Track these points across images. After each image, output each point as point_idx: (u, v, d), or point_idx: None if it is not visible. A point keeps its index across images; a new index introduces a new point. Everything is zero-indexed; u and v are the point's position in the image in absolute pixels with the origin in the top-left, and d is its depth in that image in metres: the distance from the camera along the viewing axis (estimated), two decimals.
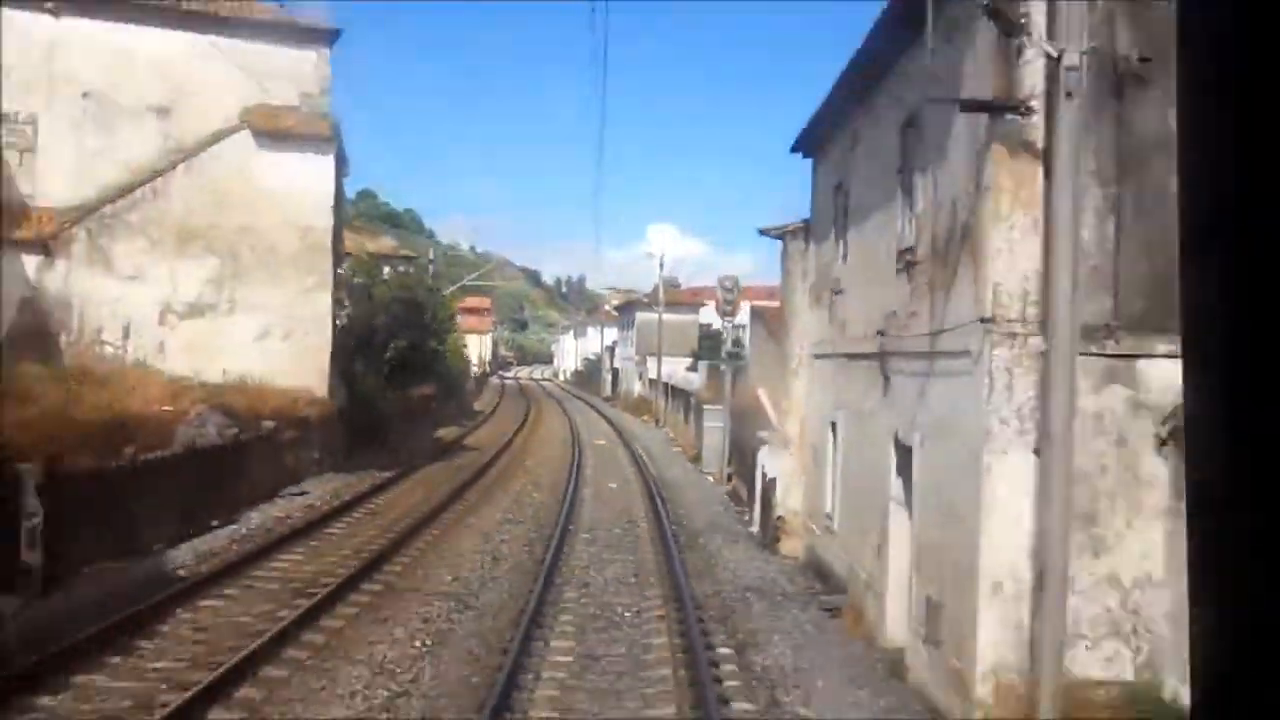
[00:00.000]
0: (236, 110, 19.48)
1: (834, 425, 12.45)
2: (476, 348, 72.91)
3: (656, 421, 41.56)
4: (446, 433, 32.46)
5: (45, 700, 7.44)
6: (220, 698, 7.60)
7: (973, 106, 7.13)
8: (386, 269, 32.19)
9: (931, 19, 7.04)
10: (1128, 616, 6.94)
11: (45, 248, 18.16)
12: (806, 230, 14.89)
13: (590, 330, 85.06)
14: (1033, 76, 6.89)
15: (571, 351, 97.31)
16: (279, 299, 19.37)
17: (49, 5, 18.11)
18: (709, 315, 38.30)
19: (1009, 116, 6.91)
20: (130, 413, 15.42)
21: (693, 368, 38.70)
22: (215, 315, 19.02)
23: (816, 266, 14.20)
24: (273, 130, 19.41)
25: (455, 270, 75.22)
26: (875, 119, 10.78)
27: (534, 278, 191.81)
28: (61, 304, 18.11)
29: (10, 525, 9.84)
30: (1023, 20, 6.71)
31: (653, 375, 46.38)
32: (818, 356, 13.82)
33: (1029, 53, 6.83)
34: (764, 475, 16.20)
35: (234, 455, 16.49)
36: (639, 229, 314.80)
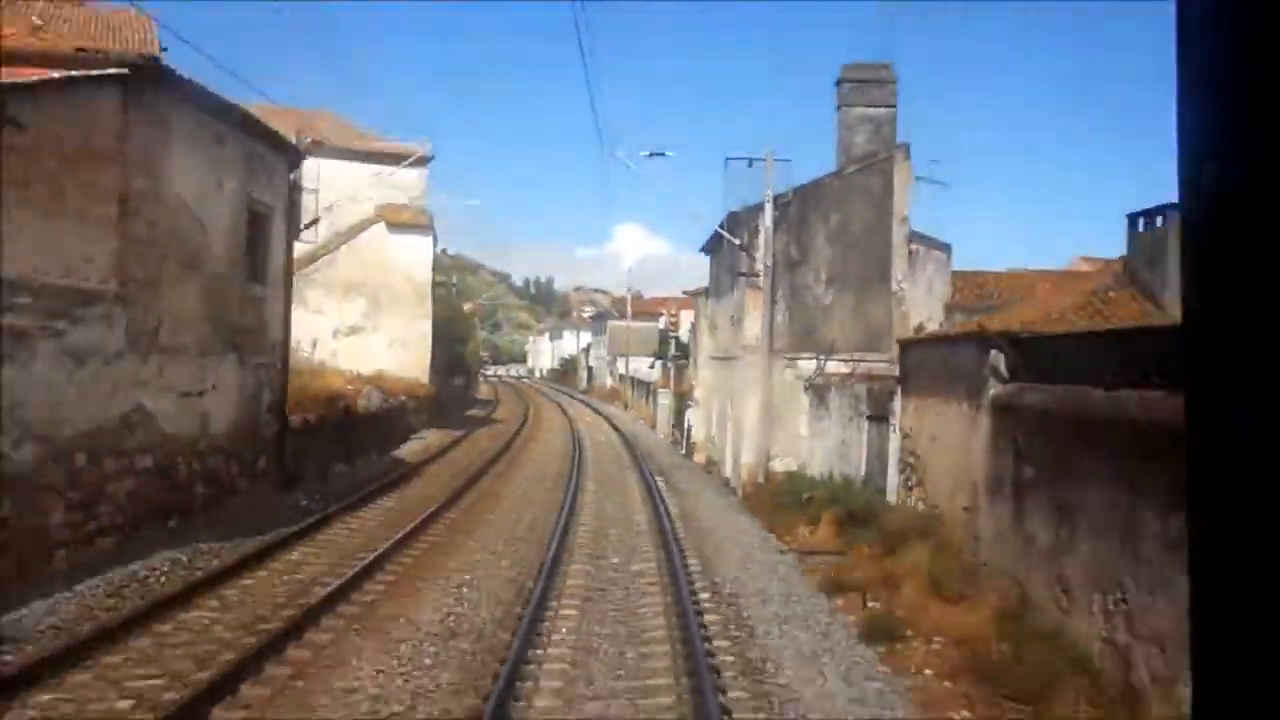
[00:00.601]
0: (374, 208, 32.18)
1: (713, 393, 25.55)
2: None
3: (625, 405, 54.60)
4: (476, 412, 45.26)
5: (349, 517, 20.17)
6: (444, 509, 20.32)
7: (742, 274, 20.28)
8: None
9: (729, 242, 20.15)
10: (792, 447, 20.12)
11: None
12: (707, 291, 28.00)
13: (566, 334, 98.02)
14: (759, 264, 20.03)
15: (548, 352, 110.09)
16: (400, 324, 32.16)
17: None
18: (666, 322, 51.83)
19: (752, 278, 20.06)
20: (333, 390, 28.12)
21: (652, 366, 51.81)
22: (364, 334, 31.73)
23: (710, 312, 27.34)
24: (395, 221, 32.19)
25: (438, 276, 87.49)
26: (721, 259, 23.91)
27: (504, 279, 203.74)
28: None
29: (281, 450, 22.54)
30: (754, 249, 19.88)
31: (622, 371, 59.48)
32: (710, 358, 26.95)
33: (757, 257, 20.00)
34: (687, 424, 29.33)
35: (385, 415, 29.17)
36: (605, 228, 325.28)
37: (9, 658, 8.11)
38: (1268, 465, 0.97)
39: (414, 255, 32.36)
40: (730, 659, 9.16)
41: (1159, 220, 12.78)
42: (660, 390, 39.49)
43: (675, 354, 37.54)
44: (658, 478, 22.31)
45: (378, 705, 7.67)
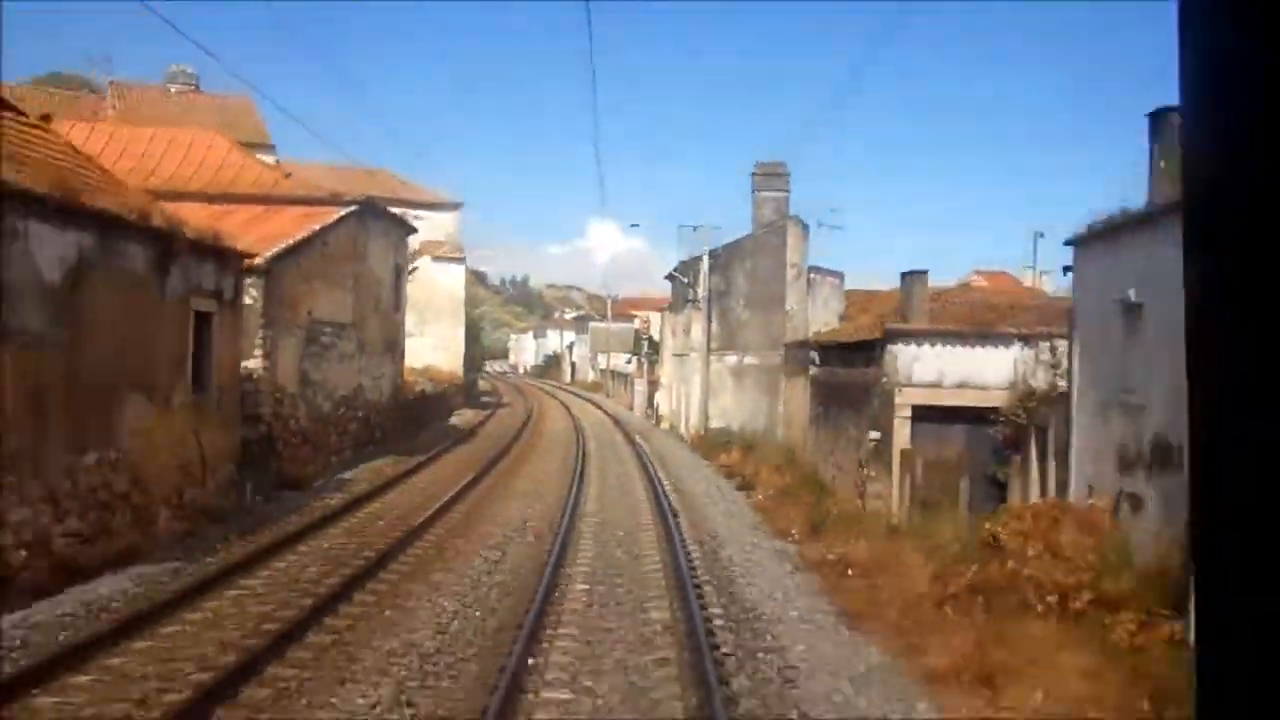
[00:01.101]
0: (419, 244, 42.84)
1: (673, 380, 36.64)
2: None
3: (606, 394, 65.55)
4: (488, 399, 56.02)
5: (457, 450, 31.03)
6: (507, 450, 31.15)
7: (689, 300, 31.34)
8: None
9: (690, 276, 31.21)
10: (724, 414, 31.25)
11: None
12: (671, 307, 39.06)
13: (550, 332, 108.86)
14: (700, 294, 31.10)
15: (531, 349, 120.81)
16: (441, 330, 42.92)
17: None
18: (640, 324, 62.88)
19: (696, 302, 31.13)
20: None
21: (629, 361, 62.73)
22: (416, 338, 42.41)
23: (671, 323, 38.45)
24: (436, 255, 42.92)
25: None
26: (678, 287, 35.03)
27: (481, 278, 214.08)
28: None
29: (400, 415, 33.34)
30: (697, 285, 30.99)
31: (604, 366, 70.46)
32: (672, 355, 38.04)
33: (698, 290, 31.10)
34: (656, 403, 40.42)
35: (437, 397, 39.93)
36: (579, 224, 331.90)
37: (334, 500, 18.95)
38: (1268, 465, 0.97)
39: (451, 279, 43.10)
40: (674, 496, 20.14)
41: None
42: (636, 380, 50.51)
43: (648, 351, 48.57)
44: (636, 435, 33.27)
45: (525, 508, 18.56)
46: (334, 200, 22.81)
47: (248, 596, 10.64)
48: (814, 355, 22.82)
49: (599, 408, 50.19)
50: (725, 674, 8.47)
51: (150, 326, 12.95)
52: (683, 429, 33.98)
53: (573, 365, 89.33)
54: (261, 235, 18.52)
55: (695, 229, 31.53)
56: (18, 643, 8.57)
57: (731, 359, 31.42)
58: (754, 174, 32.35)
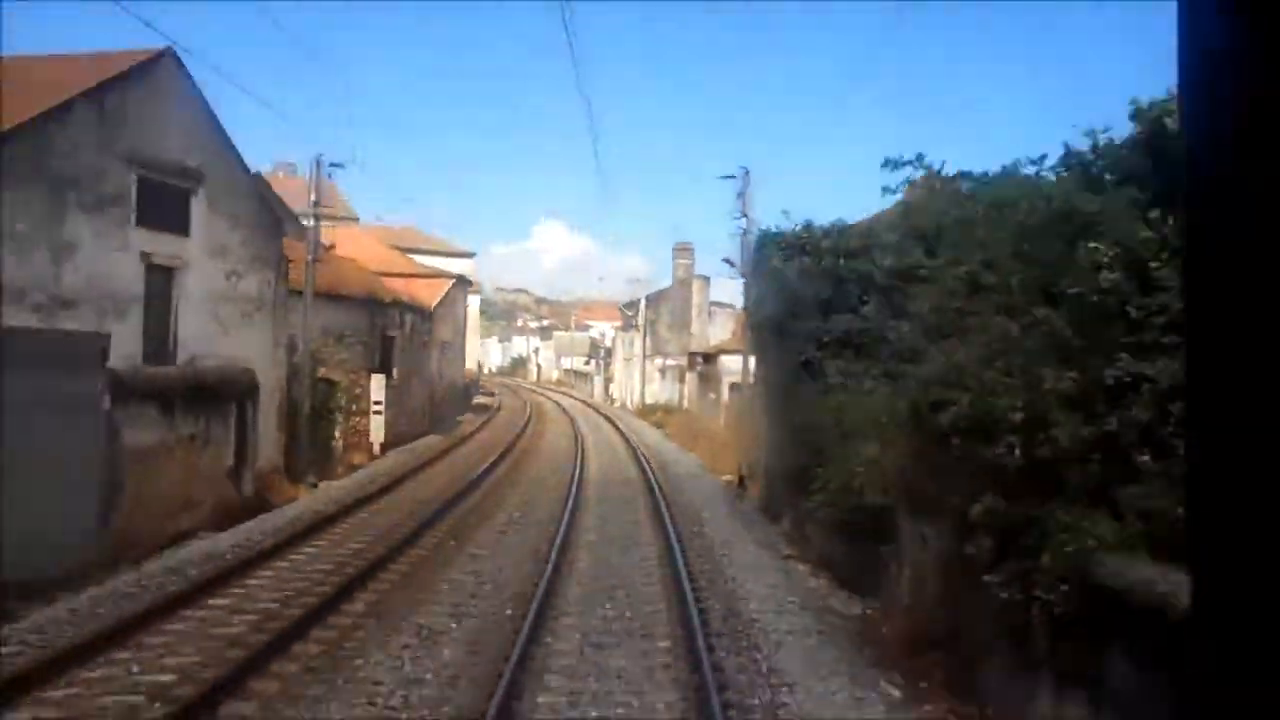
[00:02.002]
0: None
1: (624, 375, 56.71)
2: None
3: (570, 387, 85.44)
4: (488, 388, 75.53)
5: (494, 420, 50.77)
6: (530, 423, 50.88)
7: (633, 326, 51.59)
8: None
9: (629, 312, 51.38)
10: (654, 395, 51.47)
11: None
12: (622, 328, 59.15)
13: (515, 338, 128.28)
14: (640, 323, 51.33)
15: (498, 351, 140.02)
16: (468, 342, 62.50)
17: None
18: (599, 333, 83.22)
19: (638, 328, 51.40)
20: None
21: (587, 362, 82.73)
22: None
23: (623, 339, 58.57)
24: (462, 286, 62.49)
25: None
26: (627, 317, 55.25)
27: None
28: None
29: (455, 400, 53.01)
30: (637, 318, 51.30)
31: (567, 366, 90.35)
32: (623, 359, 58.05)
33: (638, 321, 51.35)
34: (610, 391, 60.64)
35: (472, 384, 59.40)
36: (523, 225, 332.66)
37: (468, 418, 38.70)
38: (1266, 463, 0.97)
39: (470, 305, 62.58)
40: (628, 434, 40.11)
41: None
42: (595, 376, 70.44)
43: (604, 355, 68.46)
44: (600, 408, 53.21)
45: (557, 428, 38.36)
46: (441, 274, 42.40)
47: (473, 449, 30.49)
48: (699, 359, 42.83)
49: (569, 395, 70.09)
50: (648, 463, 28.57)
51: (416, 350, 32.64)
52: (629, 404, 53.95)
53: (538, 366, 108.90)
54: (414, 295, 37.93)
55: (639, 282, 51.59)
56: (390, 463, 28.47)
57: (659, 361, 51.47)
58: (673, 249, 52.59)
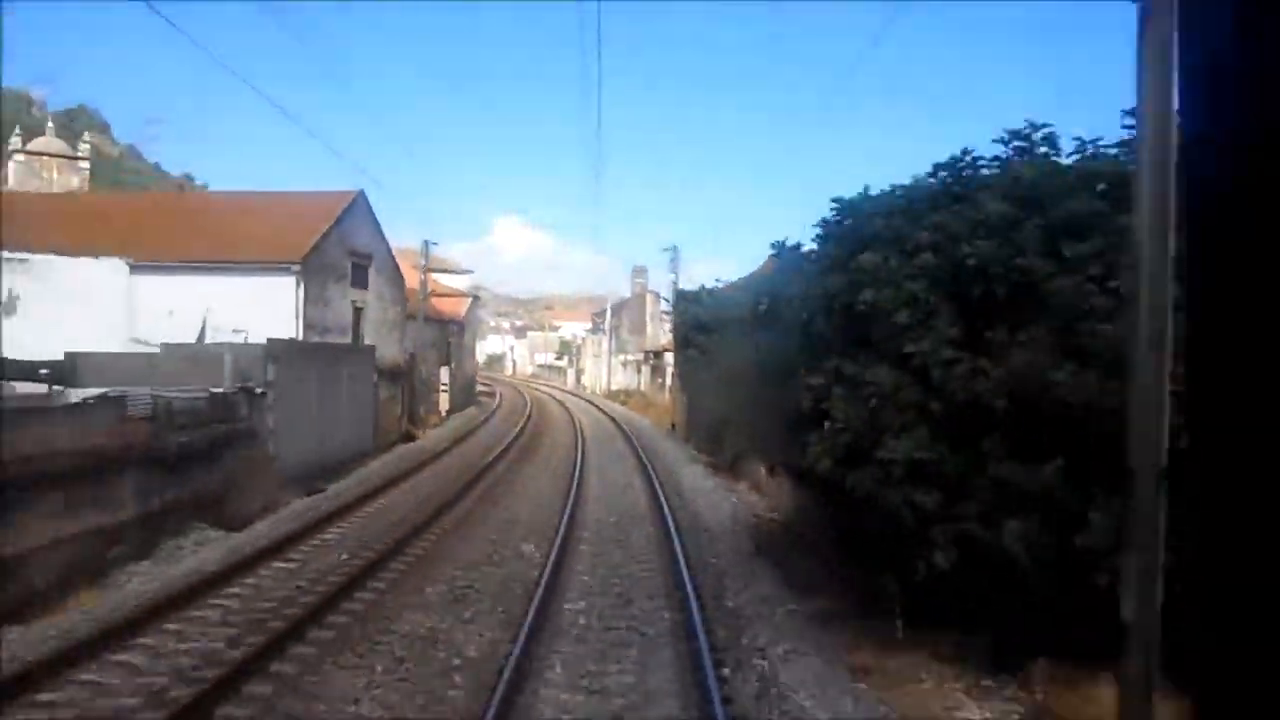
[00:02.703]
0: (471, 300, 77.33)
1: (593, 369, 72.18)
2: None
3: (545, 380, 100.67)
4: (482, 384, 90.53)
5: (505, 402, 65.98)
6: (528, 400, 66.01)
7: (601, 330, 67.08)
8: None
9: (599, 320, 66.91)
10: (618, 384, 66.95)
11: None
12: (592, 331, 74.55)
13: (491, 337, 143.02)
14: (606, 329, 66.75)
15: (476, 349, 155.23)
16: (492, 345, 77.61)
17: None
18: (570, 334, 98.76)
19: (604, 332, 66.87)
20: None
21: (560, 358, 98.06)
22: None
23: (591, 340, 74.02)
24: (475, 302, 77.52)
25: None
26: (596, 324, 70.72)
27: None
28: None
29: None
30: (604, 326, 66.85)
31: (541, 362, 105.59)
32: (592, 355, 73.46)
33: (605, 327, 66.80)
34: (582, 382, 76.12)
35: (472, 380, 74.43)
36: (485, 221, 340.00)
37: (488, 398, 53.95)
38: (1264, 462, 0.97)
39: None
40: (601, 410, 55.55)
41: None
42: (569, 370, 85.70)
43: (574, 353, 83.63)
44: (574, 395, 68.51)
45: (553, 408, 53.70)
46: (462, 293, 57.52)
47: (493, 427, 45.84)
48: (651, 355, 58.22)
49: (548, 385, 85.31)
50: (615, 421, 44.08)
51: (458, 350, 47.81)
52: (598, 390, 69.39)
53: (514, 362, 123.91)
54: (452, 310, 52.88)
55: (609, 302, 67.02)
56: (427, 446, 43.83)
57: (621, 357, 66.85)
58: (632, 270, 68.10)
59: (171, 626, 10.43)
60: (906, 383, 9.04)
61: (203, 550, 14.46)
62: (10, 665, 8.60)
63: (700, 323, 31.52)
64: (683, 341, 34.18)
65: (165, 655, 9.48)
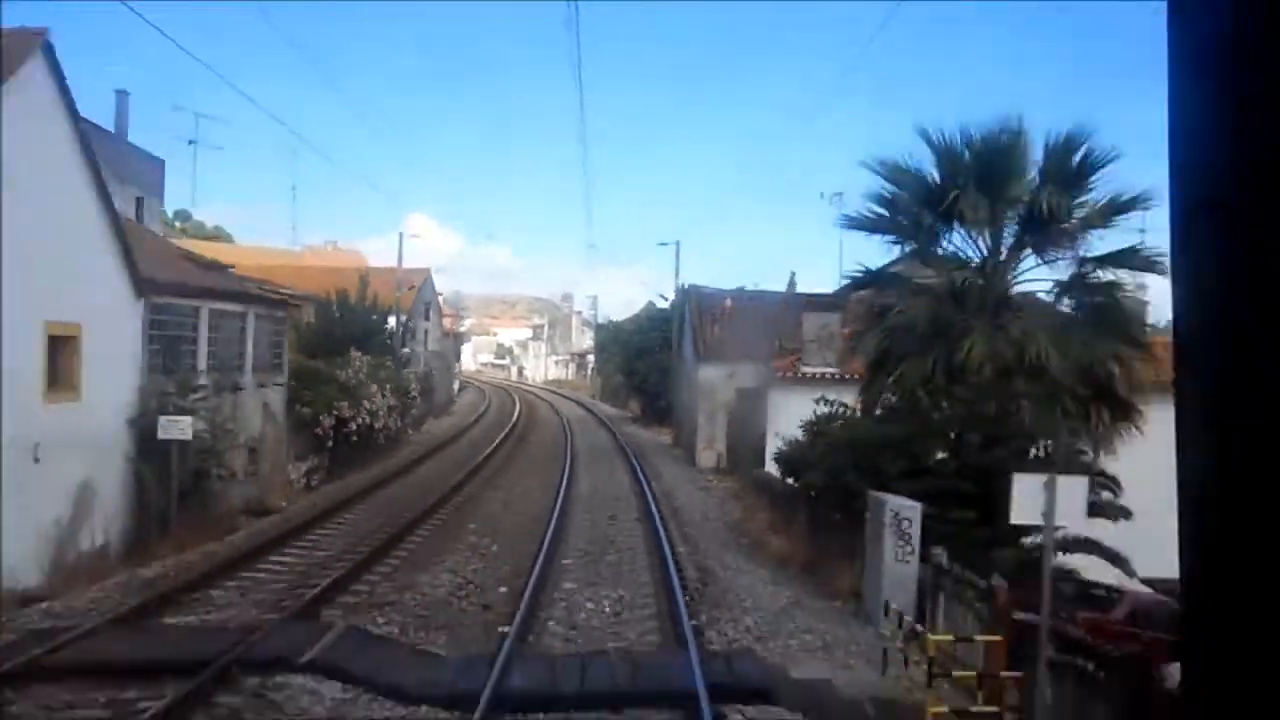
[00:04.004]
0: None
1: (533, 366, 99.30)
2: None
3: (493, 375, 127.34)
4: None
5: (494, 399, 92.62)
6: (508, 392, 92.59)
7: (540, 338, 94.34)
8: None
9: (542, 329, 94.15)
10: (555, 377, 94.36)
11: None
12: (534, 337, 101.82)
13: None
14: (545, 335, 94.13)
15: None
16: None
17: None
18: (509, 339, 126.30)
19: (542, 339, 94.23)
20: None
21: (500, 358, 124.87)
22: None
23: (534, 344, 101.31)
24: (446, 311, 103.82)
25: None
26: (539, 331, 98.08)
27: None
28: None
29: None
30: (542, 331, 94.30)
31: (484, 361, 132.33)
32: (533, 356, 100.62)
33: (544, 333, 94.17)
34: (524, 376, 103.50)
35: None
36: (393, 218, 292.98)
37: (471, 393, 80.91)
38: (1259, 461, 0.97)
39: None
40: (542, 393, 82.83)
41: None
42: (510, 367, 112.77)
43: (514, 354, 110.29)
44: (520, 388, 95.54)
45: (533, 399, 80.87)
46: (458, 310, 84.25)
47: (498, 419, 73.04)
48: (577, 356, 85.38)
49: (497, 378, 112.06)
50: (556, 398, 71.66)
51: (452, 352, 74.71)
52: (538, 382, 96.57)
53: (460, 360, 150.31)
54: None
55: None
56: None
57: (554, 358, 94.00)
58: (561, 297, 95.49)
59: (462, 440, 37.85)
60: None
61: (439, 424, 41.88)
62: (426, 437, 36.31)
63: (610, 338, 59.54)
64: (600, 348, 62.40)
65: (464, 447, 37.08)
